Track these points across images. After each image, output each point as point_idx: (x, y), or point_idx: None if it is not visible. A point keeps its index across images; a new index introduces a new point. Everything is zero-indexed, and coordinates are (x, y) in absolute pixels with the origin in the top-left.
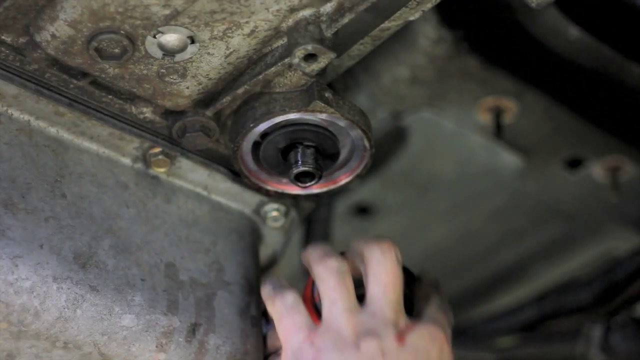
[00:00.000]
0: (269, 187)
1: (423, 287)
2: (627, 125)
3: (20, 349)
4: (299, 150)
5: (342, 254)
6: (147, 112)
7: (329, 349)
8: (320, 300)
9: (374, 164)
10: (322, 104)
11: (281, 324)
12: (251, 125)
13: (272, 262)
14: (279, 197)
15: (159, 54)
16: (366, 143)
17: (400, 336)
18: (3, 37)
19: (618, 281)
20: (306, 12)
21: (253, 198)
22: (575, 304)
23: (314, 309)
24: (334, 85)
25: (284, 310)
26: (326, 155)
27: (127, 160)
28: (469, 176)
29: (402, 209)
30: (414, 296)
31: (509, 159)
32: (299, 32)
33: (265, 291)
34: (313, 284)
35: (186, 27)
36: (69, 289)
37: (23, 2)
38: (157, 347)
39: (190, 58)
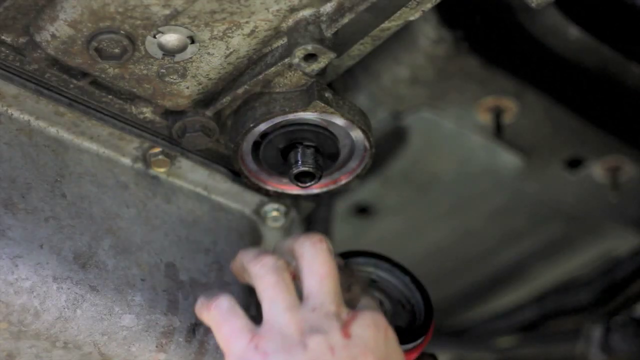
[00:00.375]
0: (269, 187)
1: (342, 274)
2: (627, 125)
3: (20, 349)
4: (299, 150)
5: (363, 253)
6: (147, 112)
7: (275, 350)
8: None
9: (374, 164)
10: (322, 104)
11: (220, 331)
12: (251, 125)
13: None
14: (279, 197)
15: (159, 54)
16: (366, 143)
17: (345, 328)
18: (3, 37)
19: (618, 281)
20: (306, 12)
21: (253, 198)
22: (575, 304)
23: None
24: (334, 85)
25: (220, 316)
26: (326, 155)
27: (127, 160)
28: (469, 176)
29: (402, 209)
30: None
31: (509, 159)
32: (299, 32)
33: (200, 301)
34: None
35: (186, 27)
36: (69, 289)
37: (23, 2)
38: (157, 347)
39: (190, 58)
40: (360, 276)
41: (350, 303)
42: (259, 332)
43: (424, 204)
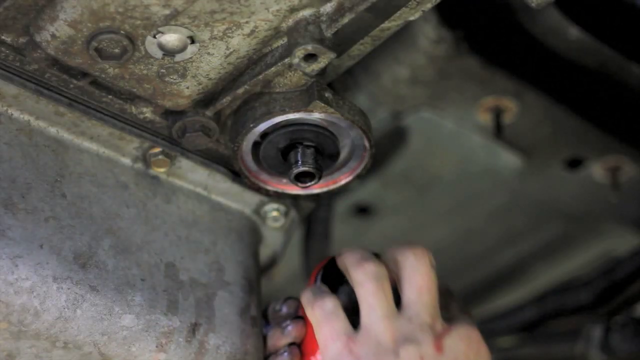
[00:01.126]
0: (269, 187)
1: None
2: (627, 125)
3: (20, 349)
4: (299, 150)
5: (377, 255)
6: (147, 112)
7: (368, 356)
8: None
9: (374, 164)
10: (322, 104)
11: (320, 330)
12: (251, 125)
13: (272, 262)
14: (279, 197)
15: (159, 54)
16: (366, 143)
17: (438, 340)
18: (3, 37)
19: (618, 281)
20: (306, 12)
21: (253, 198)
22: (575, 304)
23: None
24: (334, 85)
25: (323, 316)
26: (326, 155)
27: (127, 160)
28: (469, 176)
29: (402, 209)
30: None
31: (509, 159)
32: (299, 32)
33: (305, 297)
34: (316, 277)
35: (186, 27)
36: (69, 289)
37: (23, 2)
38: (157, 347)
39: (190, 58)
40: (458, 297)
41: (448, 320)
42: (355, 337)
43: (424, 204)
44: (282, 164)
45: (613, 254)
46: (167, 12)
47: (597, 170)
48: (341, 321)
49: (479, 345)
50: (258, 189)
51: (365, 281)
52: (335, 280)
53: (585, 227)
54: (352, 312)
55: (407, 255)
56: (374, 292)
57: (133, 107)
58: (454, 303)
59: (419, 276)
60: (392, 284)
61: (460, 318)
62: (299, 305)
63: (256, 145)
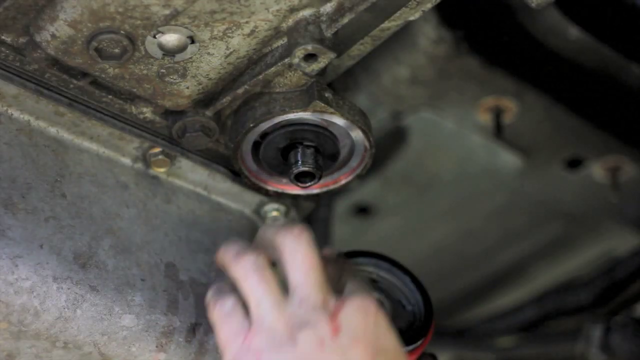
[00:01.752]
0: (269, 187)
1: (330, 264)
2: (627, 125)
3: (20, 349)
4: (299, 150)
5: (364, 253)
6: (147, 112)
7: (266, 349)
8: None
9: (374, 164)
10: (322, 104)
11: (220, 332)
12: (251, 125)
13: (272, 262)
14: (279, 197)
15: (159, 54)
16: (366, 143)
17: (333, 318)
18: (3, 37)
19: (618, 281)
20: (306, 12)
21: (253, 198)
22: (575, 304)
23: None
24: (334, 85)
25: (221, 317)
26: (326, 155)
27: (127, 160)
28: (469, 176)
29: (402, 209)
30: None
31: (509, 159)
32: (299, 32)
33: (207, 298)
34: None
35: (186, 27)
36: (69, 289)
37: (23, 2)
38: (157, 347)
39: (190, 58)
40: (349, 264)
41: (340, 292)
42: (250, 332)
43: (424, 204)
44: (282, 164)
45: (613, 254)
46: (167, 12)
47: (597, 170)
48: (238, 319)
49: (376, 313)
50: (258, 189)
51: (246, 275)
52: None
53: (585, 227)
54: None
55: (285, 236)
56: (257, 283)
57: (133, 107)
58: (345, 271)
59: (301, 257)
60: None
61: (350, 287)
62: None
63: (256, 145)
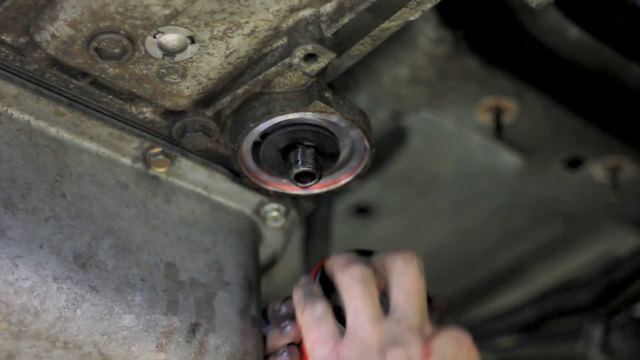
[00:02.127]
0: (269, 187)
1: (435, 307)
2: (627, 125)
3: (20, 349)
4: (299, 150)
5: (371, 253)
6: (147, 112)
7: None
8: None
9: (374, 164)
10: (322, 104)
11: (309, 335)
12: (251, 125)
13: (272, 262)
14: (279, 197)
15: (159, 54)
16: (366, 143)
17: (427, 343)
18: (3, 37)
19: (618, 281)
20: (306, 12)
21: (253, 198)
22: (575, 304)
23: None
24: (334, 85)
25: (312, 321)
26: (326, 155)
27: (127, 160)
28: (469, 176)
29: (402, 209)
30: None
31: (509, 159)
32: (299, 32)
33: (296, 299)
34: (315, 276)
35: (186, 27)
36: (69, 289)
37: (23, 2)
38: (157, 347)
39: (190, 58)
40: (447, 308)
41: (436, 325)
42: (342, 341)
43: (424, 204)
44: (282, 164)
45: (613, 254)
46: (167, 12)
47: (597, 170)
48: (329, 326)
49: (470, 349)
50: (258, 189)
51: (351, 284)
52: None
53: (585, 227)
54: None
55: (395, 259)
56: (360, 295)
57: (133, 107)
58: (446, 314)
59: (407, 279)
60: (381, 290)
61: (449, 323)
62: None
63: (256, 145)
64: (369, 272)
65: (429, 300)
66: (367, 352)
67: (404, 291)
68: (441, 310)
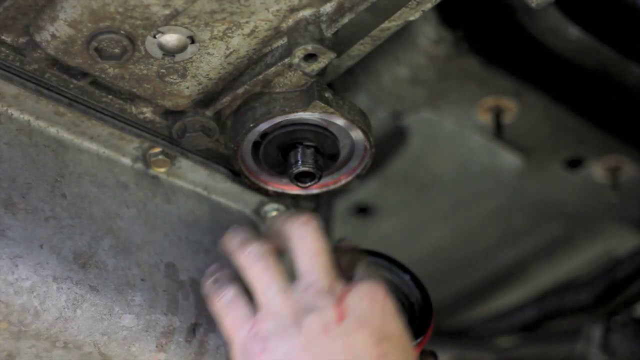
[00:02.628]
0: (269, 187)
1: (344, 255)
2: (627, 125)
3: (20, 349)
4: (299, 150)
5: (371, 252)
6: (147, 112)
7: (272, 335)
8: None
9: (374, 164)
10: (322, 104)
11: (225, 321)
12: (251, 125)
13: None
14: (279, 197)
15: (159, 54)
16: (366, 143)
17: (339, 302)
18: (3, 37)
19: (618, 281)
20: (306, 12)
21: (253, 198)
22: (575, 304)
23: None
24: (334, 85)
25: (224, 306)
26: (326, 155)
27: (127, 160)
28: (469, 176)
29: (402, 209)
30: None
31: (509, 159)
32: (299, 32)
33: (205, 289)
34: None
35: (186, 27)
36: (69, 289)
37: (23, 2)
38: (157, 347)
39: (190, 58)
40: (363, 256)
41: (351, 280)
42: (256, 319)
43: (424, 204)
44: (282, 164)
45: (613, 254)
46: (167, 12)
47: (597, 170)
48: (241, 308)
49: (384, 299)
50: (258, 189)
51: (250, 263)
52: None
53: (585, 227)
54: None
55: (293, 224)
56: (262, 271)
57: (133, 107)
58: (359, 262)
59: (308, 243)
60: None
61: (362, 275)
62: None
63: (256, 145)
64: (265, 246)
65: (355, 251)
66: (283, 324)
67: (306, 255)
68: (348, 252)
